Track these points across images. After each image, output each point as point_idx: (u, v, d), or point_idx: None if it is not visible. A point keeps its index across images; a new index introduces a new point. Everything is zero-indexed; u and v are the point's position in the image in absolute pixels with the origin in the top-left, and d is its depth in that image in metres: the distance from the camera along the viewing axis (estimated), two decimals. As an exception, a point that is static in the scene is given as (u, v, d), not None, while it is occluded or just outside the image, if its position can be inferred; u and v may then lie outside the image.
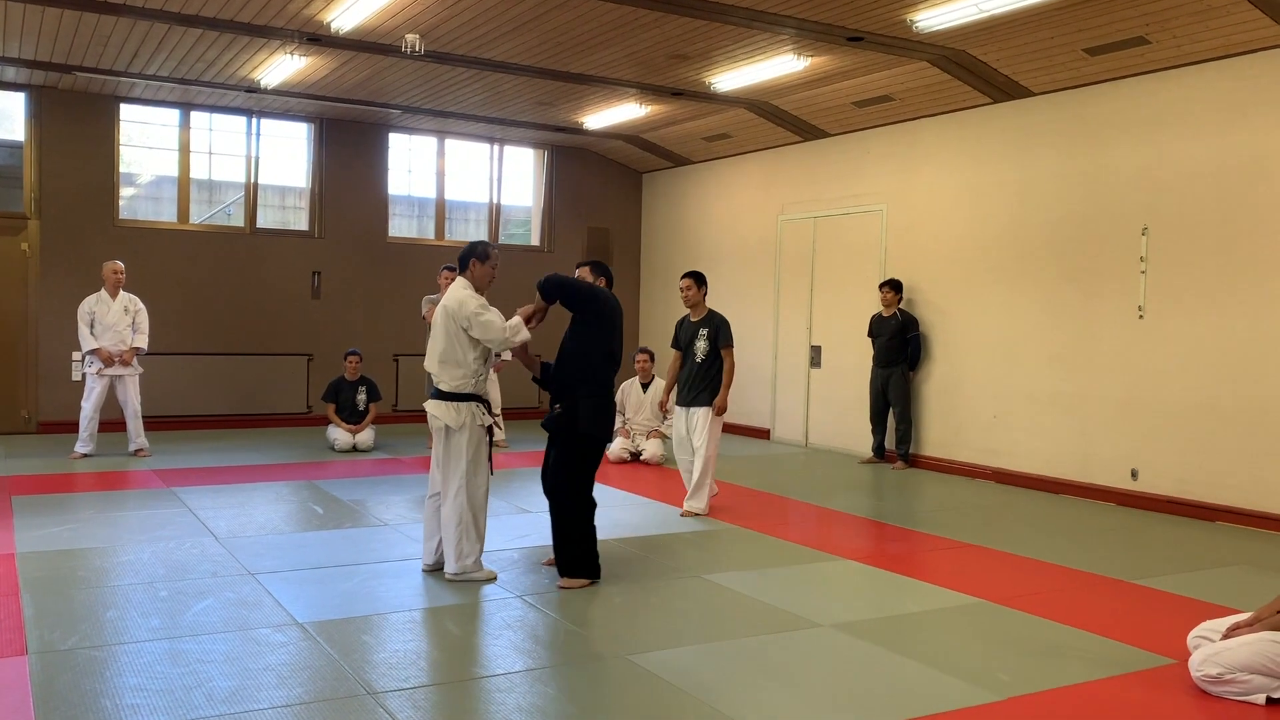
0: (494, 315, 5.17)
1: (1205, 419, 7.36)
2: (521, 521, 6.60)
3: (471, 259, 5.30)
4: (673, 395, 7.38)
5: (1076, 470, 8.22)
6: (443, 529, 5.23)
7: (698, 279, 7.19)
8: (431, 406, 5.24)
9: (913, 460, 9.57)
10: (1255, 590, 5.26)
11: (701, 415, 7.02)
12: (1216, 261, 7.31)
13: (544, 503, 5.47)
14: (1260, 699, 3.74)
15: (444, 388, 5.20)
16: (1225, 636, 3.95)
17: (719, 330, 7.05)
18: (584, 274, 5.69)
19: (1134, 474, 7.79)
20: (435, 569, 5.35)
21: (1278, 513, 6.88)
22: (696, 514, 7.04)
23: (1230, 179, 7.24)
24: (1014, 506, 7.78)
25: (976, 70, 8.37)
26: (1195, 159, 7.44)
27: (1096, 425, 8.08)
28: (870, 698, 3.77)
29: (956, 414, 9.29)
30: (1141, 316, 7.76)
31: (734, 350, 7.10)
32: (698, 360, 7.06)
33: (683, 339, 7.23)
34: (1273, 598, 4.20)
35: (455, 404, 5.17)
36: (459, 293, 5.21)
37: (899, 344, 9.47)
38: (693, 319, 7.19)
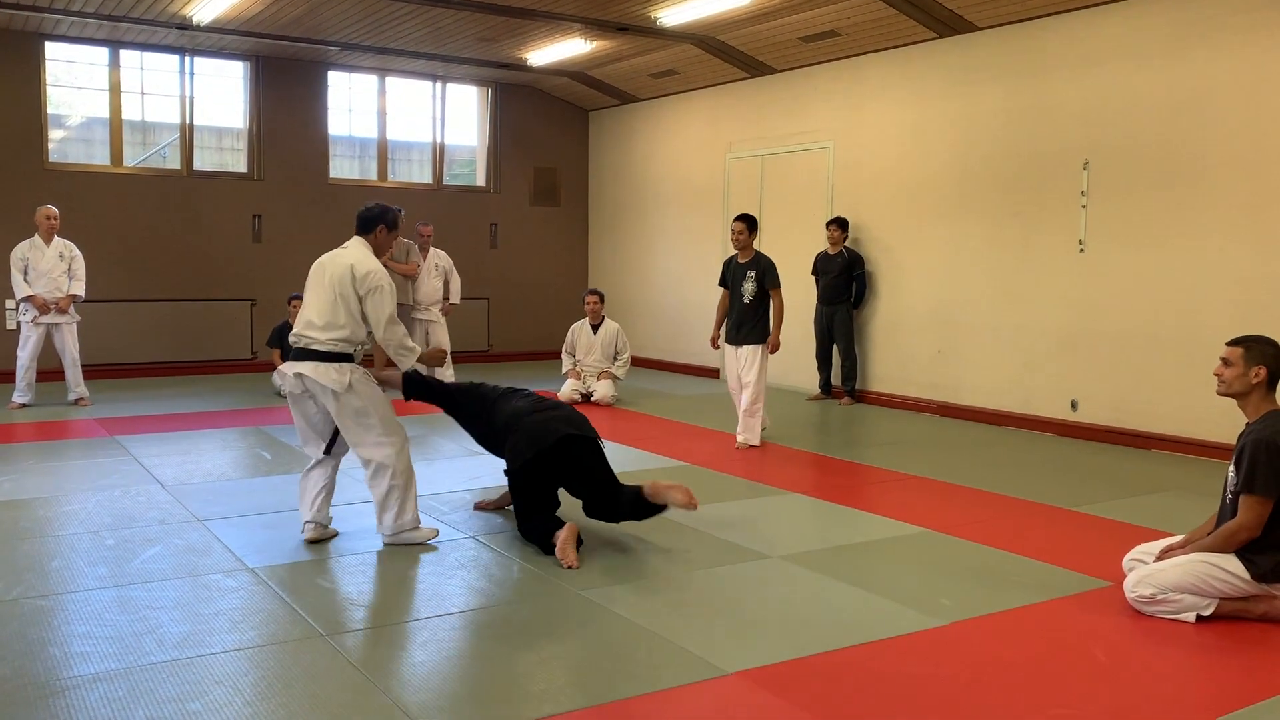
0: (401, 327, 4.83)
1: (1142, 350, 7.53)
2: (473, 463, 6.60)
3: (380, 225, 4.91)
4: (722, 333, 7.64)
5: (1019, 403, 8.39)
6: (374, 495, 4.85)
7: (750, 223, 7.37)
8: (307, 369, 4.65)
9: (859, 396, 9.70)
10: (1187, 514, 5.44)
11: (750, 352, 7.30)
12: (1156, 195, 7.43)
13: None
14: (1190, 617, 3.89)
15: (321, 348, 4.67)
16: (1158, 559, 4.10)
17: (766, 272, 7.30)
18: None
19: (1074, 405, 7.97)
20: (320, 537, 4.86)
21: (1208, 440, 7.09)
22: (752, 445, 7.29)
23: (1171, 112, 7.32)
24: (957, 439, 7.93)
25: (921, 4, 8.35)
26: (1137, 92, 7.52)
27: (1038, 358, 8.23)
28: (818, 625, 3.85)
29: (901, 349, 9.41)
30: (1082, 250, 7.88)
31: (781, 290, 7.33)
32: (745, 301, 7.31)
33: (729, 279, 7.46)
34: (1203, 521, 4.36)
35: (335, 364, 4.68)
36: (369, 261, 4.80)
37: (844, 282, 9.54)
38: (740, 260, 7.43)
